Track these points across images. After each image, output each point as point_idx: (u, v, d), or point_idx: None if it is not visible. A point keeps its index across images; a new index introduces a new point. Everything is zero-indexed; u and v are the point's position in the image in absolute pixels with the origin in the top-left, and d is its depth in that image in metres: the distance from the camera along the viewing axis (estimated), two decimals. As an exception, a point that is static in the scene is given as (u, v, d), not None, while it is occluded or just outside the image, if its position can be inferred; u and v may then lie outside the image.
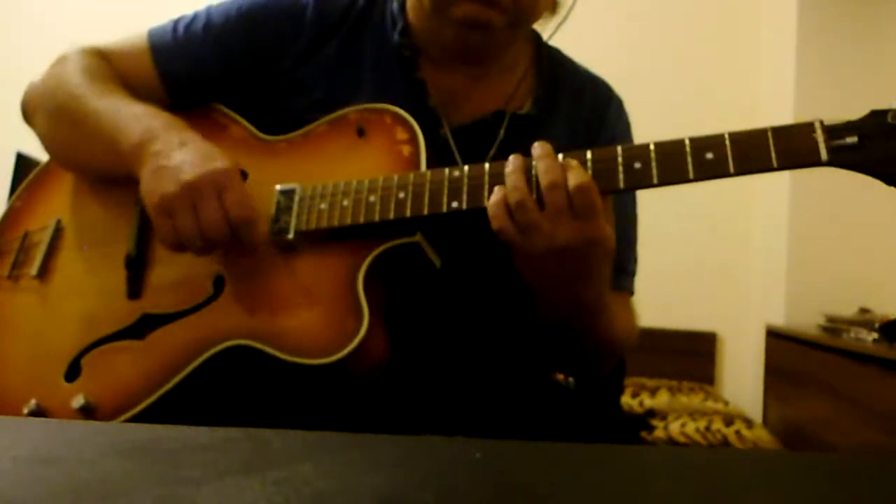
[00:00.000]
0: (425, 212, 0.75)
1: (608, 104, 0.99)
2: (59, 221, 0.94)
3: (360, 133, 0.84)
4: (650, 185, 0.71)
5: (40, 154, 1.00)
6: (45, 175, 1.00)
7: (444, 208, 0.75)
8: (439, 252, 0.79)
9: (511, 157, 0.74)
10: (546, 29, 0.98)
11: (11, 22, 3.30)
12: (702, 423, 2.13)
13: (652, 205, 1.02)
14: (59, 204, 0.96)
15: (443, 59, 0.91)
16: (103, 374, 0.82)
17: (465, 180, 0.75)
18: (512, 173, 0.73)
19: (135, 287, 0.85)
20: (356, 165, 0.82)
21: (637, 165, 0.71)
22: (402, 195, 0.76)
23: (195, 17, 0.93)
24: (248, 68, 0.91)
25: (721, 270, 2.79)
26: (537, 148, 0.74)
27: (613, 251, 0.75)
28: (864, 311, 2.12)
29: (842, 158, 0.66)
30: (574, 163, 0.72)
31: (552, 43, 1.00)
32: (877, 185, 0.67)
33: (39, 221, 0.95)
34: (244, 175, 0.81)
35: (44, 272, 0.91)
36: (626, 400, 2.32)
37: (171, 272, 0.85)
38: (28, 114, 0.97)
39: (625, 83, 1.04)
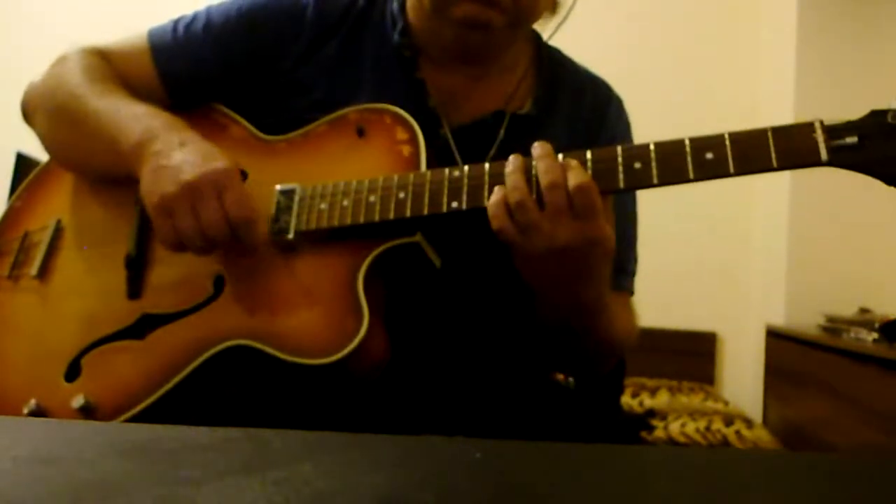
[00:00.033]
0: (425, 212, 0.75)
1: (608, 104, 0.99)
2: (59, 221, 0.94)
3: (360, 133, 0.84)
4: (650, 186, 0.71)
5: (40, 154, 1.00)
6: (45, 175, 1.00)
7: (444, 208, 0.75)
8: (439, 252, 0.79)
9: (511, 157, 0.74)
10: (546, 29, 0.98)
11: (11, 22, 3.30)
12: (702, 423, 2.13)
13: (652, 205, 1.02)
14: (59, 204, 0.96)
15: (443, 59, 0.91)
16: (103, 374, 0.82)
17: (465, 180, 0.75)
18: (512, 173, 0.73)
19: (135, 287, 0.85)
20: (356, 165, 0.82)
21: (637, 165, 0.71)
22: (402, 195, 0.76)
23: (195, 17, 0.93)
24: (248, 68, 0.91)
25: (721, 270, 2.79)
26: (537, 148, 0.74)
27: (613, 251, 0.75)
28: (864, 311, 2.12)
29: (842, 158, 0.66)
30: (574, 163, 0.72)
31: (552, 43, 1.00)
32: (877, 185, 0.67)
33: (39, 221, 0.95)
34: (244, 175, 0.81)
35: (44, 272, 0.91)
36: (626, 400, 2.32)
37: (171, 272, 0.85)
38: (28, 114, 0.97)
39: (625, 83, 1.04)
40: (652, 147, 0.71)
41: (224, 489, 0.35)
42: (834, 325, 2.08)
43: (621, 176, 0.72)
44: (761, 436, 2.13)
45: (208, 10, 0.93)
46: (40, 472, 0.38)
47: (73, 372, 0.83)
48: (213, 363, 0.78)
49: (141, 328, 0.83)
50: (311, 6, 0.91)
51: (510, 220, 0.72)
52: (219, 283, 0.82)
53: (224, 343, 0.77)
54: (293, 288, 0.79)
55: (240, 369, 0.78)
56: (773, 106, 2.65)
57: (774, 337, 2.46)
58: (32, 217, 0.97)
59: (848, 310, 2.13)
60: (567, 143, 0.77)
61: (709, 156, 0.69)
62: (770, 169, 0.68)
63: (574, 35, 0.99)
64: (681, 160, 0.70)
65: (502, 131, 0.90)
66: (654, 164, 0.71)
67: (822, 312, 2.19)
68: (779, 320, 2.47)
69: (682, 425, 2.11)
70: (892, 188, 0.67)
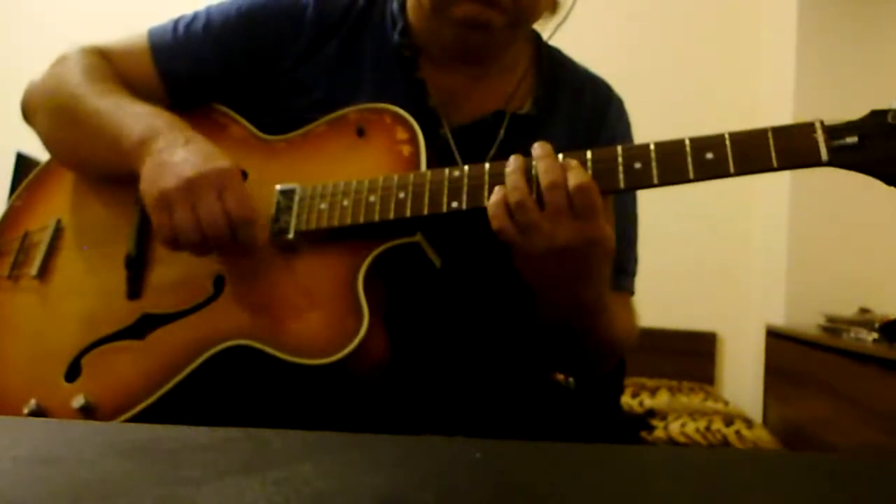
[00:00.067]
0: (425, 212, 0.75)
1: (608, 104, 0.99)
2: (59, 221, 0.94)
3: (360, 133, 0.84)
4: (650, 186, 0.71)
5: (40, 154, 1.00)
6: (45, 175, 1.00)
7: (444, 208, 0.75)
8: (439, 252, 0.79)
9: (511, 158, 0.74)
10: (546, 29, 0.98)
11: (11, 22, 3.30)
12: (702, 423, 2.13)
13: (652, 205, 1.02)
14: (59, 204, 0.96)
15: (443, 59, 0.91)
16: (103, 374, 0.82)
17: (465, 180, 0.75)
18: (512, 173, 0.73)
19: (135, 287, 0.85)
20: (356, 165, 0.82)
21: (637, 165, 0.71)
22: (402, 195, 0.76)
23: (195, 16, 0.93)
24: (248, 68, 0.91)
25: (721, 270, 2.79)
26: (537, 148, 0.74)
27: (613, 251, 0.75)
28: (864, 311, 2.12)
29: (842, 158, 0.66)
30: (574, 163, 0.72)
31: (552, 43, 1.00)
32: (877, 185, 0.67)
33: (39, 221, 0.95)
34: (244, 175, 0.81)
35: (44, 272, 0.91)
36: (626, 400, 2.32)
37: (171, 272, 0.85)
38: (28, 113, 0.97)
39: (625, 83, 1.04)
40: (652, 147, 0.71)
41: (224, 489, 0.35)
42: (834, 325, 2.08)
43: (621, 176, 0.72)
44: (761, 436, 2.13)
45: (208, 10, 0.93)
46: (40, 472, 0.38)
47: (73, 372, 0.83)
48: (213, 363, 0.78)
49: (141, 328, 0.83)
50: (311, 6, 0.91)
51: (510, 220, 0.72)
52: (219, 284, 0.82)
53: (224, 343, 0.77)
54: (293, 288, 0.79)
55: (240, 369, 0.78)
56: (773, 106, 2.65)
57: (774, 337, 2.46)
58: (32, 217, 0.97)
59: (848, 310, 2.13)
60: (567, 143, 0.77)
61: (709, 156, 0.69)
62: (770, 169, 0.68)
63: (574, 35, 0.99)
64: (681, 160, 0.70)
65: (502, 131, 0.90)
66: (654, 164, 0.71)
67: (822, 312, 2.19)
68: (779, 320, 2.47)
69: (682, 425, 2.11)
70: (892, 188, 0.67)
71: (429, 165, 0.79)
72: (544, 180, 0.71)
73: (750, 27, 2.86)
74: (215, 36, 0.92)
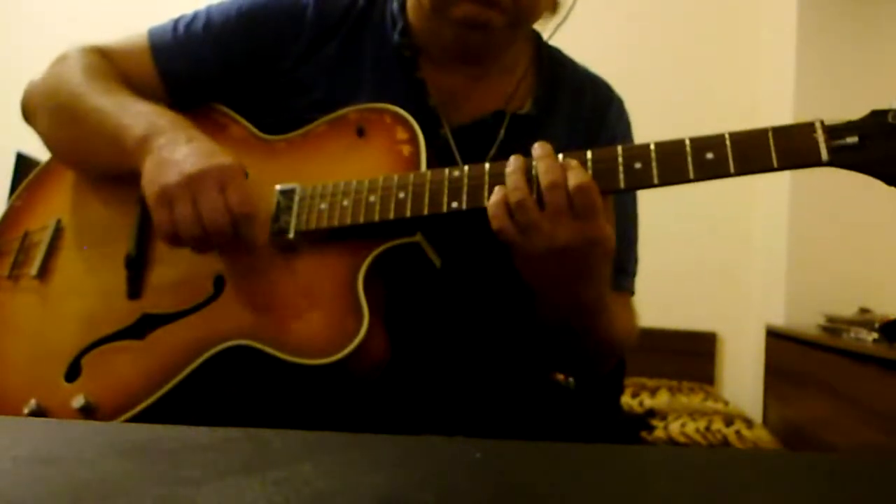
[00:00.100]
0: (425, 212, 0.75)
1: (608, 104, 0.99)
2: (59, 221, 0.94)
3: (360, 133, 0.84)
4: (650, 186, 0.71)
5: (40, 154, 1.00)
6: (45, 175, 1.00)
7: (444, 208, 0.75)
8: (439, 252, 0.79)
9: (511, 158, 0.74)
10: (546, 29, 0.98)
11: (11, 22, 3.30)
12: (702, 423, 2.13)
13: (652, 205, 1.02)
14: (59, 204, 0.96)
15: (443, 59, 0.91)
16: (103, 374, 0.82)
17: (465, 180, 0.75)
18: (512, 173, 0.73)
19: (135, 287, 0.85)
20: (356, 165, 0.82)
21: (637, 165, 0.71)
22: (402, 195, 0.76)
23: (195, 16, 0.93)
24: (248, 68, 0.91)
25: (721, 270, 2.79)
26: (537, 148, 0.74)
27: (613, 251, 0.75)
28: (864, 311, 2.12)
29: (842, 158, 0.66)
30: (574, 163, 0.72)
31: (552, 43, 1.00)
32: (877, 185, 0.67)
33: (39, 221, 0.95)
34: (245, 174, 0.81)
35: (44, 272, 0.91)
36: (626, 400, 2.32)
37: (171, 272, 0.85)
38: (28, 113, 0.97)
39: (625, 83, 1.04)
40: (652, 147, 0.71)
41: (224, 489, 0.35)
42: (834, 325, 2.08)
43: (622, 176, 0.72)
44: (761, 436, 2.13)
45: (208, 10, 0.93)
46: (40, 472, 0.38)
47: (73, 372, 0.83)
48: (213, 363, 0.78)
49: (141, 328, 0.83)
50: (311, 6, 0.91)
51: (510, 220, 0.72)
52: (219, 284, 0.82)
53: (224, 343, 0.77)
54: (293, 288, 0.79)
55: (240, 369, 0.78)
56: (773, 106, 2.65)
57: (774, 337, 2.46)
58: (32, 217, 0.97)
59: (848, 310, 2.13)
60: (567, 143, 0.77)
61: (709, 156, 0.69)
62: (770, 169, 0.68)
63: (574, 35, 0.99)
64: (681, 160, 0.70)
65: (502, 131, 0.90)
66: (654, 164, 0.71)
67: (822, 312, 2.19)
68: (779, 320, 2.47)
69: (682, 425, 2.11)
70: (892, 188, 0.66)
71: (429, 165, 0.79)
72: (544, 180, 0.71)
73: (750, 27, 2.86)
74: (215, 36, 0.92)
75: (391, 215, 0.76)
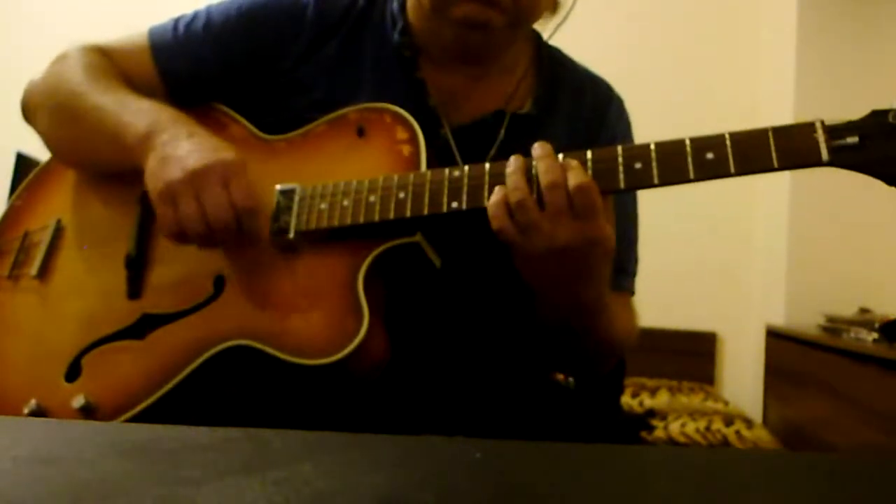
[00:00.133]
0: (425, 212, 0.75)
1: (609, 103, 0.99)
2: (59, 221, 0.94)
3: (360, 133, 0.84)
4: (651, 186, 0.71)
5: (40, 154, 1.00)
6: (45, 175, 1.00)
7: (444, 208, 0.75)
8: (439, 252, 0.79)
9: (511, 158, 0.74)
10: (546, 29, 0.98)
11: (11, 22, 3.30)
12: (702, 423, 2.13)
13: (652, 205, 1.02)
14: (59, 203, 0.96)
15: (443, 58, 0.91)
16: (103, 374, 0.82)
17: (465, 180, 0.75)
18: (512, 173, 0.73)
19: (135, 287, 0.85)
20: (356, 165, 0.82)
21: (637, 165, 0.71)
22: (402, 195, 0.76)
23: (195, 16, 0.93)
24: (248, 68, 0.91)
25: (721, 270, 2.79)
26: (537, 148, 0.74)
27: (613, 251, 0.75)
28: (864, 311, 2.12)
29: (843, 158, 0.66)
30: (574, 163, 0.72)
31: (552, 43, 1.00)
32: (877, 185, 0.67)
33: (39, 221, 0.95)
34: None
35: (44, 272, 0.91)
36: (626, 400, 2.32)
37: (171, 272, 0.85)
38: (28, 112, 0.97)
39: (625, 83, 1.04)
40: (652, 147, 0.71)
41: (224, 489, 0.35)
42: (834, 325, 2.08)
43: (622, 176, 0.72)
44: (761, 436, 2.13)
45: (209, 10, 0.93)
46: (40, 472, 0.38)
47: (73, 372, 0.83)
48: (213, 363, 0.78)
49: (141, 328, 0.83)
50: (311, 6, 0.91)
51: (510, 220, 0.72)
52: (219, 283, 0.82)
53: (224, 343, 0.77)
54: (293, 288, 0.79)
55: (240, 369, 0.78)
56: (773, 106, 2.65)
57: (774, 337, 2.46)
58: (32, 217, 0.97)
59: (848, 310, 2.13)
60: (567, 143, 0.77)
61: (709, 156, 0.69)
62: (771, 169, 0.68)
63: (574, 35, 0.99)
64: (681, 160, 0.70)
65: (502, 131, 0.89)
66: (654, 164, 0.71)
67: (822, 312, 2.19)
68: (779, 320, 2.47)
69: (682, 425, 2.11)
70: (892, 188, 0.66)
71: (429, 165, 0.79)
72: (544, 180, 0.71)
73: (750, 27, 2.86)
74: (215, 35, 0.92)
75: (391, 215, 0.76)
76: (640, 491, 0.40)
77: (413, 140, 0.81)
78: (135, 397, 0.78)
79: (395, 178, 0.78)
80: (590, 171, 0.72)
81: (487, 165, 0.75)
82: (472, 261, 0.84)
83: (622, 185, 0.72)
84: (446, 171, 0.77)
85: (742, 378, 2.75)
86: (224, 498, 0.34)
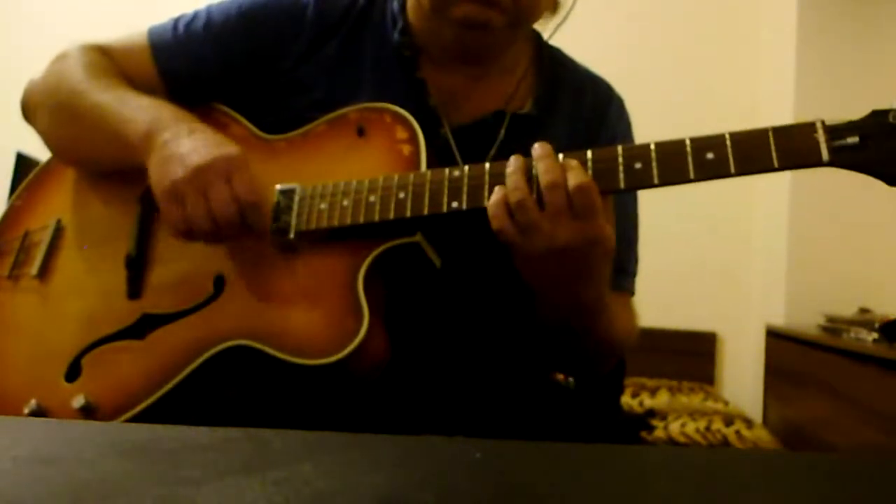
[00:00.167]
0: (425, 212, 0.75)
1: (609, 103, 0.98)
2: (59, 221, 0.94)
3: (360, 132, 0.84)
4: (651, 186, 0.71)
5: (40, 154, 1.00)
6: (45, 175, 1.00)
7: (444, 208, 0.75)
8: (439, 252, 0.79)
9: (511, 158, 0.74)
10: (546, 29, 0.98)
11: (11, 22, 3.30)
12: (702, 423, 2.13)
13: (653, 205, 1.02)
14: (59, 203, 0.96)
15: (443, 58, 0.91)
16: (103, 374, 0.82)
17: (466, 180, 0.75)
18: (513, 173, 0.73)
19: (135, 287, 0.85)
20: (356, 165, 0.82)
21: (638, 165, 0.71)
22: (402, 195, 0.76)
23: (195, 15, 0.93)
24: (248, 67, 0.91)
25: (721, 270, 2.79)
26: (537, 148, 0.74)
27: (613, 251, 0.75)
28: (864, 311, 2.12)
29: (843, 158, 0.66)
30: (574, 163, 0.72)
31: (552, 43, 1.00)
32: (877, 185, 0.67)
33: (40, 221, 0.95)
34: None
35: (44, 272, 0.91)
36: (626, 400, 2.32)
37: (171, 272, 0.85)
38: (28, 111, 0.97)
39: (625, 83, 1.04)
40: (652, 147, 0.71)
41: (224, 489, 0.35)
42: (834, 325, 2.08)
43: (622, 176, 0.72)
44: (761, 436, 2.13)
45: (209, 9, 0.93)
46: (40, 472, 0.38)
47: (73, 372, 0.83)
48: (213, 363, 0.78)
49: (141, 328, 0.83)
50: (311, 6, 0.91)
51: (510, 220, 0.72)
52: (219, 283, 0.82)
53: (224, 343, 0.77)
54: (293, 288, 0.79)
55: (240, 369, 0.78)
56: (773, 106, 2.65)
57: (774, 337, 2.46)
58: (33, 216, 0.97)
59: (848, 310, 2.13)
60: (568, 143, 0.77)
61: (710, 156, 0.69)
62: (771, 169, 0.68)
63: (574, 35, 0.99)
64: (681, 160, 0.70)
65: (503, 131, 0.89)
66: (654, 164, 0.70)
67: (822, 312, 2.19)
68: (779, 320, 2.47)
69: (682, 425, 2.11)
70: (892, 188, 0.66)
71: (429, 165, 0.79)
72: (544, 180, 0.71)
73: (750, 27, 2.86)
74: (215, 35, 0.92)
75: (391, 215, 0.76)
76: (640, 491, 0.40)
77: (413, 140, 0.81)
78: (135, 397, 0.78)
79: (395, 177, 0.78)
80: (590, 171, 0.72)
81: (487, 165, 0.75)
82: (472, 261, 0.84)
83: (622, 185, 0.72)
84: (446, 171, 0.76)
85: (742, 378, 2.75)
86: (224, 498, 0.34)
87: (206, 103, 0.93)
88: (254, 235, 0.80)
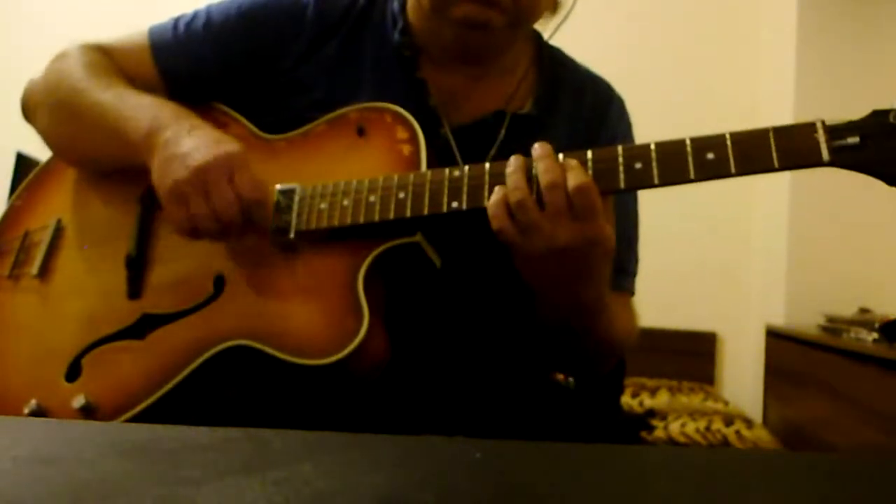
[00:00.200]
0: (425, 212, 0.75)
1: (609, 103, 0.98)
2: (59, 221, 0.94)
3: (361, 132, 0.84)
4: (651, 186, 0.71)
5: (40, 154, 1.00)
6: (45, 174, 1.00)
7: (445, 208, 0.75)
8: (439, 252, 0.79)
9: (512, 158, 0.74)
10: (546, 29, 0.98)
11: (11, 22, 3.30)
12: (702, 423, 2.13)
13: (653, 205, 1.02)
14: (59, 203, 0.96)
15: (443, 58, 0.91)
16: (104, 374, 0.82)
17: (466, 180, 0.75)
18: (513, 173, 0.73)
19: (135, 287, 0.85)
20: (356, 165, 0.82)
21: (638, 165, 0.71)
22: (402, 195, 0.76)
23: (195, 15, 0.93)
24: (248, 67, 0.91)
25: (721, 270, 2.79)
26: (537, 148, 0.74)
27: (613, 251, 0.75)
28: (864, 311, 2.12)
29: (843, 159, 0.66)
30: (574, 163, 0.72)
31: (552, 43, 1.00)
32: (877, 185, 0.67)
33: (40, 221, 0.95)
34: None
35: (44, 272, 0.91)
36: (626, 400, 2.32)
37: (171, 272, 0.85)
38: (29, 110, 0.97)
39: (625, 83, 1.04)
40: (653, 147, 0.71)
41: (224, 489, 0.35)
42: (834, 325, 2.08)
43: (622, 176, 0.71)
44: (761, 436, 2.13)
45: (209, 9, 0.93)
46: (40, 472, 0.38)
47: (73, 372, 0.83)
48: (213, 363, 0.78)
49: (141, 328, 0.83)
50: (311, 6, 0.91)
51: (510, 220, 0.72)
52: (219, 283, 0.82)
53: (224, 343, 0.77)
54: (293, 288, 0.79)
55: (240, 369, 0.78)
56: (773, 106, 2.65)
57: (774, 337, 2.46)
58: (33, 216, 0.97)
59: (848, 310, 2.13)
60: (568, 143, 0.77)
61: (710, 156, 0.69)
62: (771, 169, 0.68)
63: (574, 35, 0.99)
64: (682, 160, 0.70)
65: (503, 131, 0.89)
66: (654, 164, 0.70)
67: (822, 312, 2.19)
68: (779, 320, 2.47)
69: (682, 425, 2.11)
70: (892, 188, 0.66)
71: (429, 165, 0.79)
72: (544, 180, 0.71)
73: (750, 27, 2.86)
74: (215, 35, 0.92)
75: (391, 215, 0.76)
76: (640, 491, 0.40)
77: (413, 140, 0.81)
78: (135, 397, 0.78)
79: (395, 177, 0.78)
80: (590, 171, 0.72)
81: (487, 165, 0.75)
82: (472, 261, 0.84)
83: (622, 185, 0.72)
84: (446, 170, 0.76)
85: (742, 378, 2.75)
86: (224, 498, 0.34)
87: (206, 103, 0.93)
88: (257, 233, 0.80)
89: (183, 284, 0.83)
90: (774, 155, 0.67)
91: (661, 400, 2.38)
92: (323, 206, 0.80)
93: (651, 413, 2.20)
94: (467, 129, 0.89)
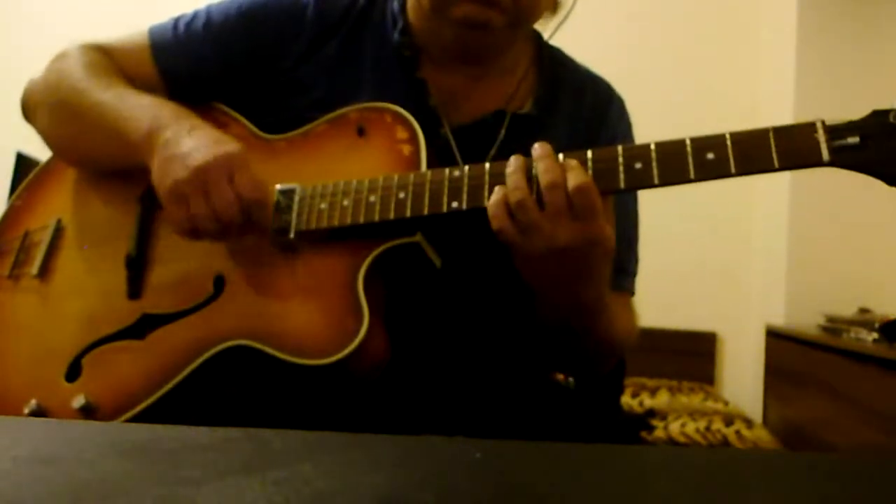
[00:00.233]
0: (425, 212, 0.75)
1: (609, 103, 0.98)
2: (59, 221, 0.94)
3: (361, 132, 0.84)
4: (651, 186, 0.71)
5: (40, 154, 1.00)
6: (45, 174, 1.00)
7: (445, 208, 0.75)
8: (439, 252, 0.79)
9: (512, 158, 0.74)
10: (546, 29, 0.98)
11: (11, 22, 3.30)
12: (702, 423, 2.13)
13: (653, 205, 1.02)
14: (59, 203, 0.96)
15: (443, 58, 0.91)
16: (104, 374, 0.82)
17: (466, 180, 0.75)
18: (513, 173, 0.73)
19: (135, 287, 0.85)
20: (356, 165, 0.82)
21: (638, 165, 0.71)
22: (402, 195, 0.76)
23: (195, 15, 0.93)
24: (248, 67, 0.91)
25: (721, 270, 2.79)
26: (537, 148, 0.74)
27: (613, 251, 0.75)
28: (864, 311, 2.12)
29: (843, 159, 0.66)
30: (574, 163, 0.72)
31: (552, 43, 1.00)
32: (877, 185, 0.67)
33: (40, 221, 0.95)
34: None
35: (44, 272, 0.91)
36: (626, 400, 2.32)
37: (171, 272, 0.85)
38: (29, 110, 0.97)
39: (625, 83, 1.04)
40: (653, 147, 0.71)
41: (224, 489, 0.35)
42: (834, 325, 2.08)
43: (622, 176, 0.71)
44: (761, 436, 2.13)
45: (209, 9, 0.93)
46: (40, 472, 0.38)
47: (73, 372, 0.83)
48: (213, 363, 0.78)
49: (141, 328, 0.83)
50: (311, 6, 0.91)
51: (510, 220, 0.72)
52: (219, 283, 0.82)
53: (224, 343, 0.77)
54: (293, 288, 0.79)
55: (240, 369, 0.78)
56: (773, 106, 2.65)
57: (774, 337, 2.46)
58: (33, 216, 0.97)
59: (848, 310, 2.13)
60: (568, 143, 0.77)
61: (710, 156, 0.69)
62: (771, 169, 0.68)
63: (574, 35, 0.99)
64: (682, 160, 0.70)
65: (503, 131, 0.89)
66: (654, 164, 0.70)
67: (822, 312, 2.19)
68: (779, 320, 2.47)
69: (682, 425, 2.11)
70: (892, 188, 0.66)
71: (429, 165, 0.79)
72: (544, 180, 0.71)
73: (750, 27, 2.86)
74: (215, 35, 0.92)
75: (391, 215, 0.76)
76: (640, 491, 0.40)
77: (413, 140, 0.81)
78: (135, 397, 0.78)
79: (395, 177, 0.78)
80: (590, 171, 0.72)
81: (487, 165, 0.75)
82: (472, 261, 0.84)
83: (622, 185, 0.72)
84: (446, 170, 0.76)
85: (742, 378, 2.75)
86: (224, 498, 0.34)
87: (206, 103, 0.93)
88: (257, 233, 0.80)
89: (183, 284, 0.83)
90: (774, 155, 0.67)
91: (661, 400, 2.38)
92: (323, 206, 0.80)
93: (651, 413, 2.20)
94: (467, 129, 0.89)
